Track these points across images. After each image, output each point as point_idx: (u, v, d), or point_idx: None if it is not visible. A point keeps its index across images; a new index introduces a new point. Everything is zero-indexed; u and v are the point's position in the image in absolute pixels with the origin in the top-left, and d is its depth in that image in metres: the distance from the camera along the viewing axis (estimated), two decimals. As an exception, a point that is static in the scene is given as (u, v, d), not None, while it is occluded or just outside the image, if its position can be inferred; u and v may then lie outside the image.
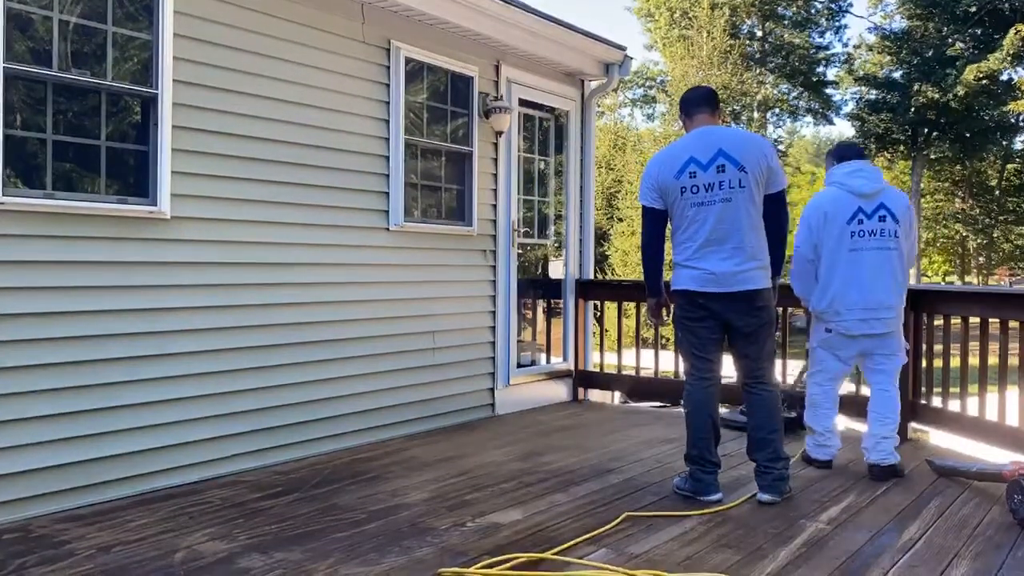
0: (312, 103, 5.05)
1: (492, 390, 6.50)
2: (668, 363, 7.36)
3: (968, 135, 30.26)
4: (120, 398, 4.12)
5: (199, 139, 4.44)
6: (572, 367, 7.31)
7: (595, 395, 7.49)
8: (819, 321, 4.79)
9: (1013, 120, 29.92)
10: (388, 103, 5.56)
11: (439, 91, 6.04)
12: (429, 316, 5.91)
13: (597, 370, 8.19)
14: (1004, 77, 28.75)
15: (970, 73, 27.57)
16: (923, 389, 5.69)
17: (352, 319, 5.35)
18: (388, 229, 5.58)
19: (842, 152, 4.89)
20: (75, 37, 3.95)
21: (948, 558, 3.39)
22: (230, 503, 4.06)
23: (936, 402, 5.70)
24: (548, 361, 7.30)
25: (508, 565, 3.23)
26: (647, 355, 7.61)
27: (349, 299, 5.32)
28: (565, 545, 3.45)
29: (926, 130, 30.82)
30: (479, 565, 3.23)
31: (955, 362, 5.53)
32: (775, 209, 4.21)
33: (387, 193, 5.57)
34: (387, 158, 5.56)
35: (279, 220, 4.86)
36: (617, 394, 8.02)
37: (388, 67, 5.55)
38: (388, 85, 5.56)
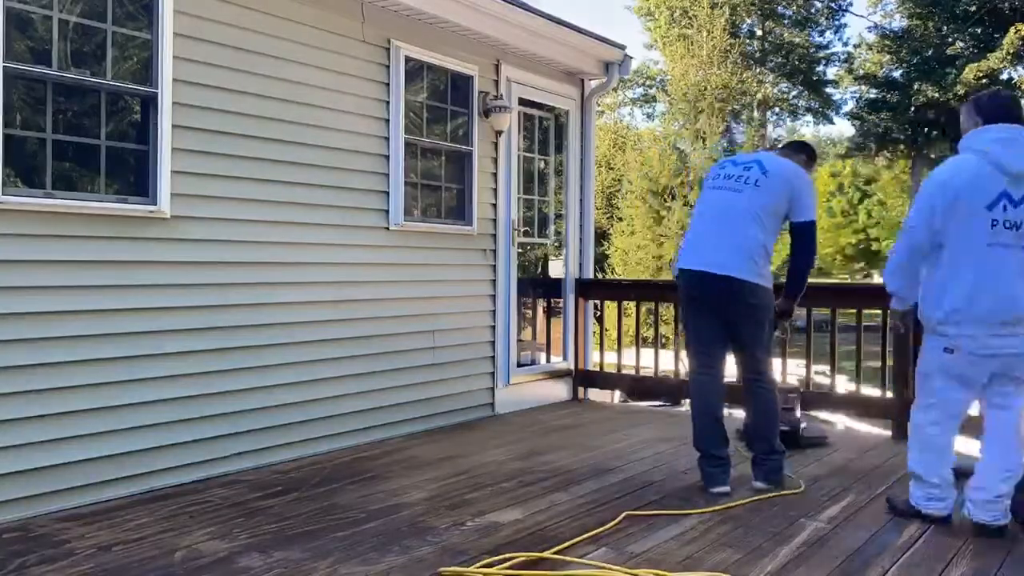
0: (312, 102, 5.04)
1: (492, 389, 6.50)
2: (668, 362, 7.37)
3: (968, 134, 30.21)
4: (120, 397, 4.12)
5: (199, 138, 4.44)
6: (572, 366, 7.31)
7: (595, 394, 7.49)
8: (934, 335, 3.70)
9: (1013, 119, 29.88)
10: (388, 102, 5.56)
11: (439, 90, 6.04)
12: (429, 315, 5.90)
13: (597, 369, 8.19)
14: (1004, 76, 28.73)
15: (970, 72, 27.55)
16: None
17: (352, 318, 5.35)
18: (388, 228, 5.57)
19: (994, 109, 3.65)
20: (75, 36, 3.95)
21: (948, 557, 3.38)
22: (230, 502, 4.06)
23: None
24: (548, 360, 7.30)
25: (508, 564, 3.23)
26: (647, 354, 7.61)
27: (349, 298, 5.32)
28: (565, 544, 3.45)
29: (926, 129, 30.81)
30: (479, 564, 3.22)
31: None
32: (796, 240, 4.36)
33: (387, 192, 5.56)
34: (387, 157, 5.56)
35: (279, 219, 4.86)
36: (617, 393, 8.02)
37: (388, 66, 5.55)
38: (388, 84, 5.55)
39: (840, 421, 7.62)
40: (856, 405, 6.44)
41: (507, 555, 3.31)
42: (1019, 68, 28.49)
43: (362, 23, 5.35)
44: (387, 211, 5.56)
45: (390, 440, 5.49)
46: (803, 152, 4.59)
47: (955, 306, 3.57)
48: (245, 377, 4.69)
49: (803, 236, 4.32)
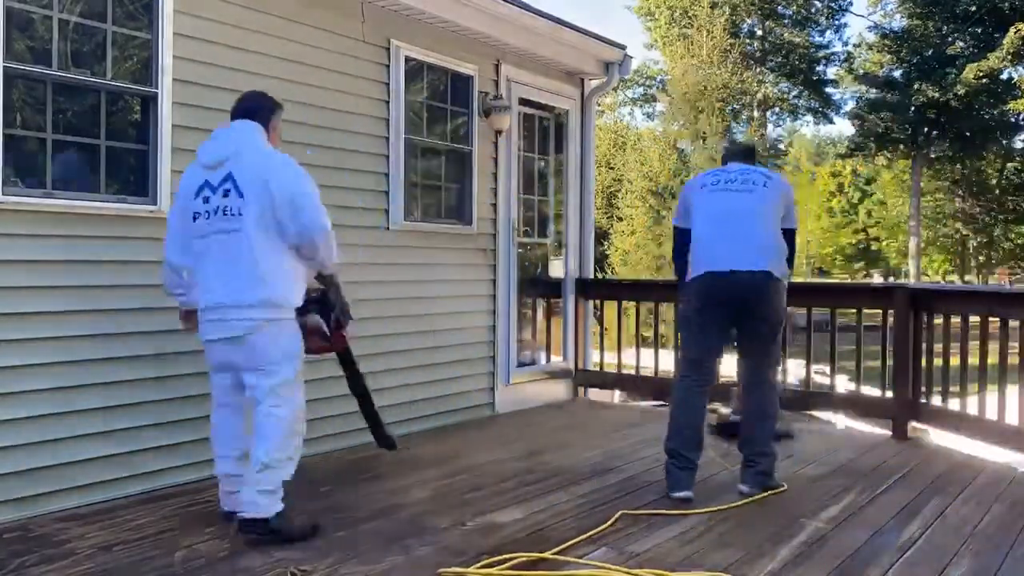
0: (312, 102, 5.04)
1: (492, 389, 6.50)
2: (668, 362, 7.37)
3: (968, 134, 30.26)
4: (120, 397, 4.11)
5: (199, 138, 4.39)
6: (572, 366, 7.31)
7: (595, 394, 7.50)
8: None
9: (1013, 119, 29.93)
10: (388, 102, 5.56)
11: (439, 90, 6.04)
12: (429, 315, 5.90)
13: (597, 369, 8.19)
14: (1004, 76, 28.78)
15: (970, 72, 27.57)
16: (923, 388, 5.70)
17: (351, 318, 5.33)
18: (388, 228, 5.57)
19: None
20: (75, 36, 3.95)
21: (948, 558, 3.38)
22: (230, 502, 4.05)
23: (936, 401, 5.70)
24: (548, 360, 7.30)
25: (508, 564, 3.23)
26: (647, 354, 7.61)
27: (348, 298, 5.30)
28: (565, 544, 3.44)
29: (926, 129, 30.82)
30: (479, 564, 3.22)
31: (954, 361, 5.53)
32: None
33: (387, 192, 5.56)
34: (387, 157, 5.56)
35: (279, 219, 4.85)
36: (617, 393, 8.02)
37: (388, 66, 5.55)
38: (388, 84, 5.55)
39: (840, 421, 7.63)
40: (856, 405, 6.45)
41: (507, 555, 3.30)
42: (1019, 67, 28.51)
43: (362, 23, 5.35)
44: (387, 211, 5.56)
45: (390, 440, 5.48)
46: (753, 155, 4.65)
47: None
48: (245, 377, 4.68)
49: (791, 243, 4.36)
